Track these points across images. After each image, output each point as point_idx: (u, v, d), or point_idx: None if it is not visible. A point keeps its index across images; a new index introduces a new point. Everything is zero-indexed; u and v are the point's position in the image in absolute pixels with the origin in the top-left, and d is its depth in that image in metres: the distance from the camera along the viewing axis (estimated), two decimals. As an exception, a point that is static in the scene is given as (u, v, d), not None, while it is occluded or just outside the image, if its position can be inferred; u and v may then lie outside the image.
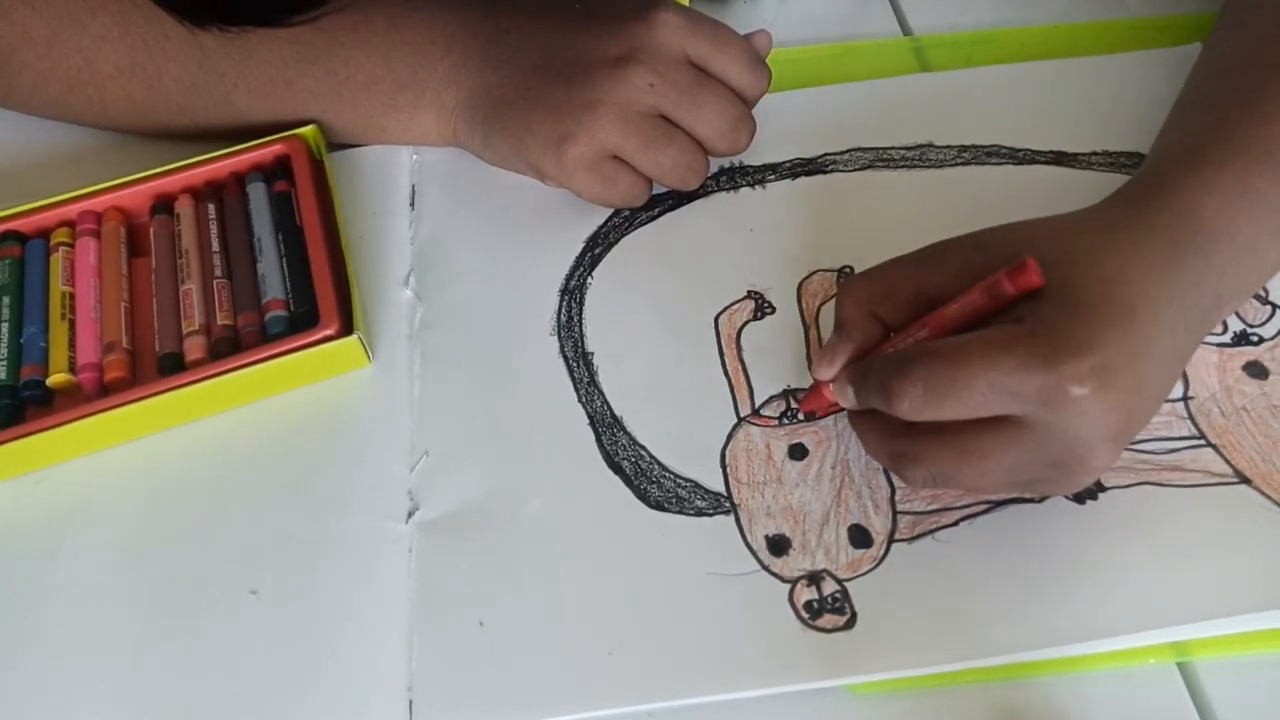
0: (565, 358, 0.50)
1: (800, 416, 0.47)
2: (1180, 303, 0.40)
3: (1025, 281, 0.38)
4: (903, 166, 0.55)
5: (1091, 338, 0.37)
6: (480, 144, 0.54)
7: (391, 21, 0.54)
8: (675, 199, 0.54)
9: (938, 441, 0.40)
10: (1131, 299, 0.38)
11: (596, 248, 0.53)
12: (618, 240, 0.53)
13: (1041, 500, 0.44)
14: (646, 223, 0.54)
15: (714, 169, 0.55)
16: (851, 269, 0.51)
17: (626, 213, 0.54)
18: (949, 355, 0.38)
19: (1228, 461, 0.44)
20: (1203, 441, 0.45)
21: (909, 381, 0.38)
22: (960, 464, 0.39)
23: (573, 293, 0.52)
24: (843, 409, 0.46)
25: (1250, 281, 0.44)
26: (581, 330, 0.51)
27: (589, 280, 0.52)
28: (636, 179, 0.52)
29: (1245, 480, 0.44)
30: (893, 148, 0.56)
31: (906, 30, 0.63)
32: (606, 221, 0.54)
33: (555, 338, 0.50)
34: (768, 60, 0.53)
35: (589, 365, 0.49)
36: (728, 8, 0.64)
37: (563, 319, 0.51)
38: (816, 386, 0.45)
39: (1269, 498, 0.43)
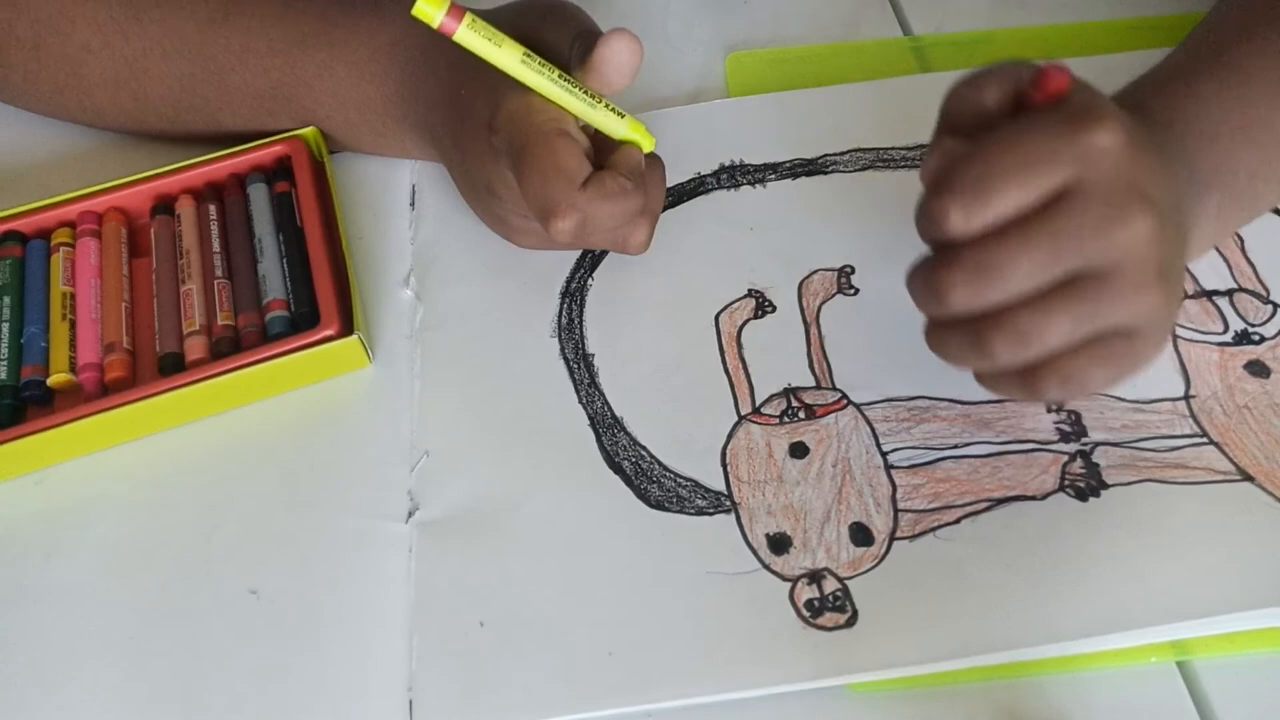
0: (566, 359, 0.50)
1: (801, 415, 0.47)
2: (1163, 157, 0.41)
3: (1050, 85, 0.38)
4: (903, 167, 0.55)
5: (1115, 109, 0.38)
6: None
7: (351, 72, 0.53)
8: (674, 198, 0.54)
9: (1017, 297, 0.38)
10: (1144, 136, 0.40)
11: (596, 249, 0.53)
12: (618, 240, 0.53)
13: (1044, 498, 0.43)
14: (647, 223, 0.54)
15: (714, 167, 0.55)
16: (852, 268, 0.51)
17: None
18: (985, 142, 0.38)
19: (1230, 459, 0.44)
20: (1205, 439, 0.45)
21: (951, 182, 0.37)
22: (1045, 307, 0.37)
23: (573, 295, 0.52)
24: (841, 408, 0.46)
25: (1235, 185, 0.45)
26: (582, 332, 0.51)
27: (589, 282, 0.52)
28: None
29: (1248, 478, 0.44)
30: (893, 148, 0.56)
31: (906, 30, 0.63)
32: (607, 222, 0.54)
33: (556, 339, 0.50)
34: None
35: (589, 366, 0.49)
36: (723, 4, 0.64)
37: (563, 321, 0.51)
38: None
39: (1271, 495, 0.43)
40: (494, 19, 0.46)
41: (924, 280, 0.39)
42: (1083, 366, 0.39)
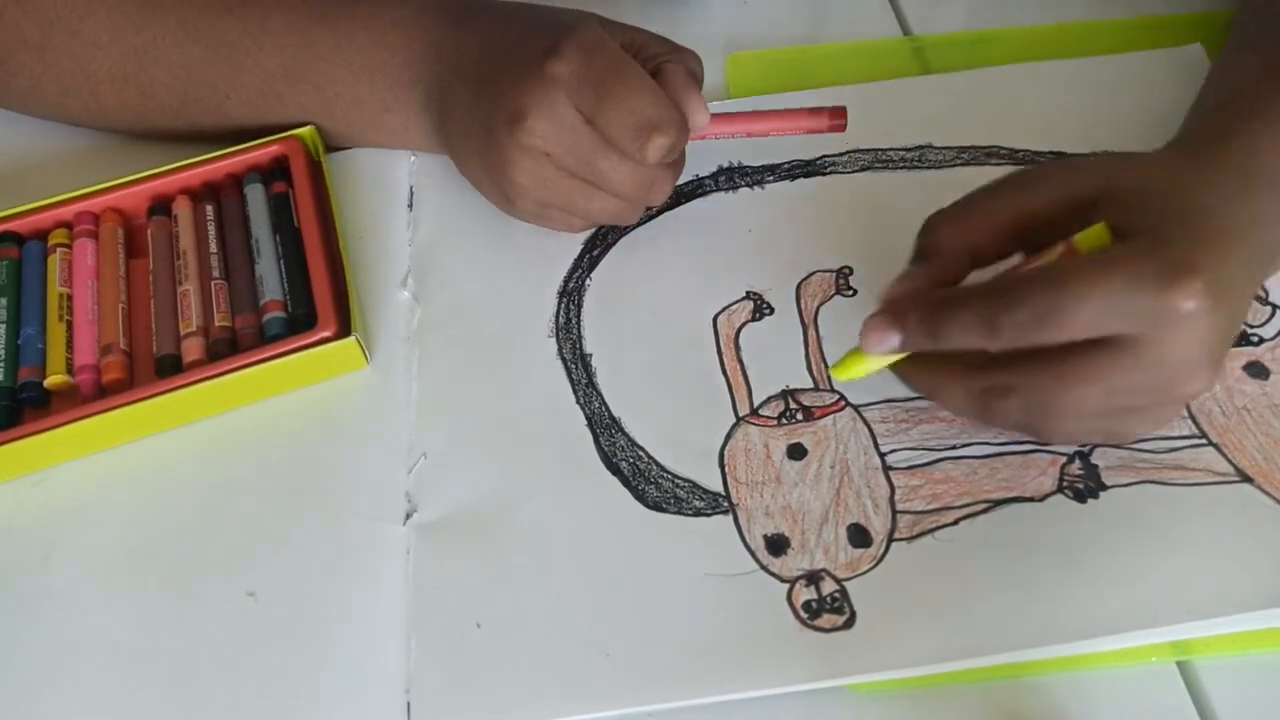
0: (564, 359, 0.50)
1: (799, 417, 0.47)
2: (1255, 237, 0.40)
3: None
4: (902, 168, 0.55)
5: (1199, 258, 0.37)
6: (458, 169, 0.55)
7: (374, 39, 0.53)
8: (672, 200, 0.54)
9: (1036, 367, 0.39)
10: (1225, 226, 0.39)
11: (595, 249, 0.53)
12: (616, 242, 0.53)
13: (1043, 499, 0.43)
14: (644, 224, 0.54)
15: (712, 168, 0.55)
16: (850, 270, 0.51)
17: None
18: (1054, 277, 0.37)
19: (1229, 460, 0.44)
20: (1204, 440, 0.45)
21: (1017, 309, 0.37)
22: (1061, 389, 0.39)
23: (571, 294, 0.52)
24: (840, 409, 0.45)
25: None
26: (580, 332, 0.50)
27: (587, 282, 0.52)
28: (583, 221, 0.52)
29: (1247, 479, 0.44)
30: (892, 149, 0.56)
31: (906, 30, 0.63)
32: (605, 223, 0.54)
33: (554, 339, 0.50)
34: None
35: (587, 367, 0.49)
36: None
37: (561, 321, 0.51)
38: (857, 350, 0.43)
39: (1270, 496, 0.43)
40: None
41: (980, 308, 0.39)
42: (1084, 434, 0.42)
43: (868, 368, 0.43)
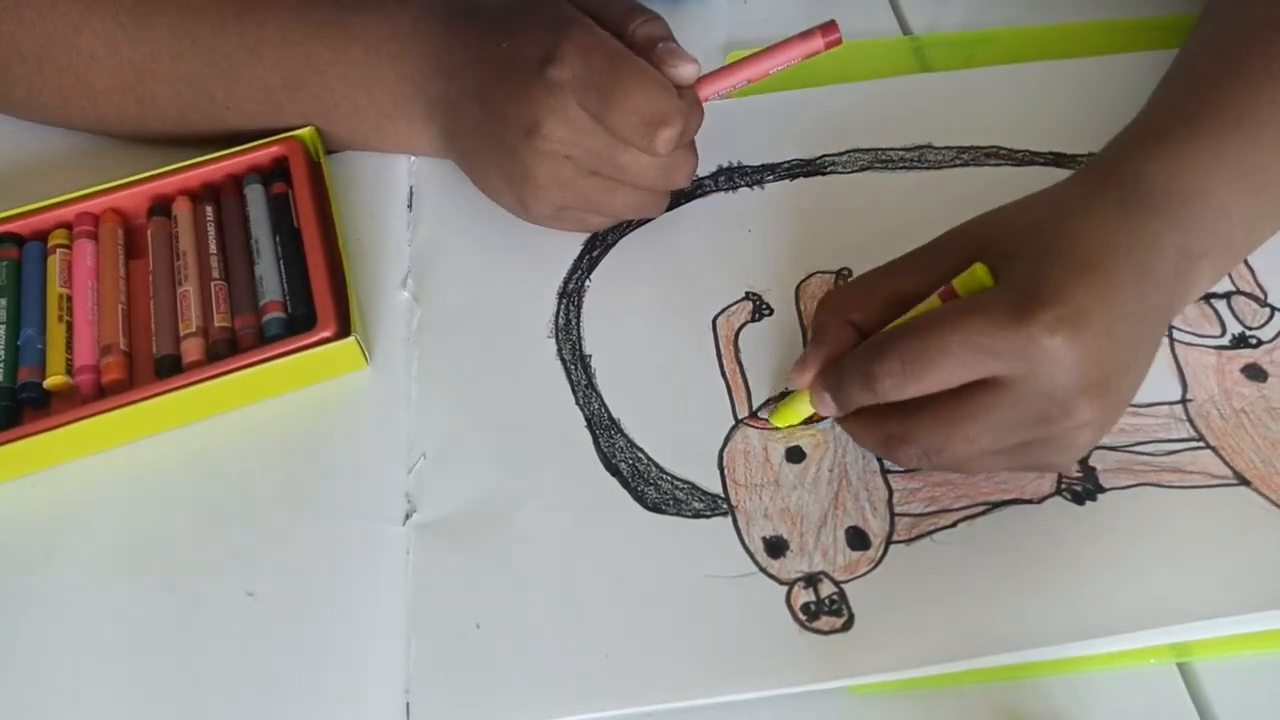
0: (563, 360, 0.50)
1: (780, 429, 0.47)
2: (1140, 255, 0.41)
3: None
4: (902, 168, 0.55)
5: (1057, 289, 0.38)
6: (468, 177, 0.55)
7: (368, 52, 0.53)
8: (672, 200, 0.54)
9: (925, 415, 0.40)
10: (1091, 252, 0.40)
11: (594, 250, 0.53)
12: (616, 242, 0.53)
13: (1041, 501, 0.44)
14: (644, 224, 0.54)
15: (712, 169, 0.55)
16: (850, 270, 0.51)
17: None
18: (920, 328, 0.40)
19: (1227, 463, 0.44)
20: (1202, 443, 0.45)
21: (886, 360, 0.40)
22: (948, 432, 0.40)
23: (571, 295, 0.52)
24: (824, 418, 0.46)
25: (1231, 240, 0.45)
26: (579, 333, 0.50)
27: (587, 283, 0.52)
28: (606, 218, 0.53)
29: (1245, 482, 0.44)
30: (892, 149, 0.56)
31: (906, 30, 0.63)
32: (604, 223, 0.54)
33: (553, 340, 0.50)
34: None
35: (587, 368, 0.49)
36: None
37: (561, 322, 0.51)
38: (791, 397, 0.46)
39: (1268, 499, 0.43)
40: None
41: (856, 368, 0.41)
42: (982, 463, 0.42)
43: (801, 415, 0.46)
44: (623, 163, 0.48)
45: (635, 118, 0.46)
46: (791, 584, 0.42)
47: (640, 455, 0.46)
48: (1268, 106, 0.45)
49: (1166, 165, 0.44)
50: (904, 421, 0.41)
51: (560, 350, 0.50)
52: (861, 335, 0.44)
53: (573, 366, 0.49)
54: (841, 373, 0.42)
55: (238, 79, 0.54)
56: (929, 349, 0.39)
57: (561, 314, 0.51)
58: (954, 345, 0.38)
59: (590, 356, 0.50)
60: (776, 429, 0.46)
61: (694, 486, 0.45)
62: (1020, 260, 0.40)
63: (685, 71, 0.48)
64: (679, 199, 0.54)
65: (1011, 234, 0.41)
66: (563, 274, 0.52)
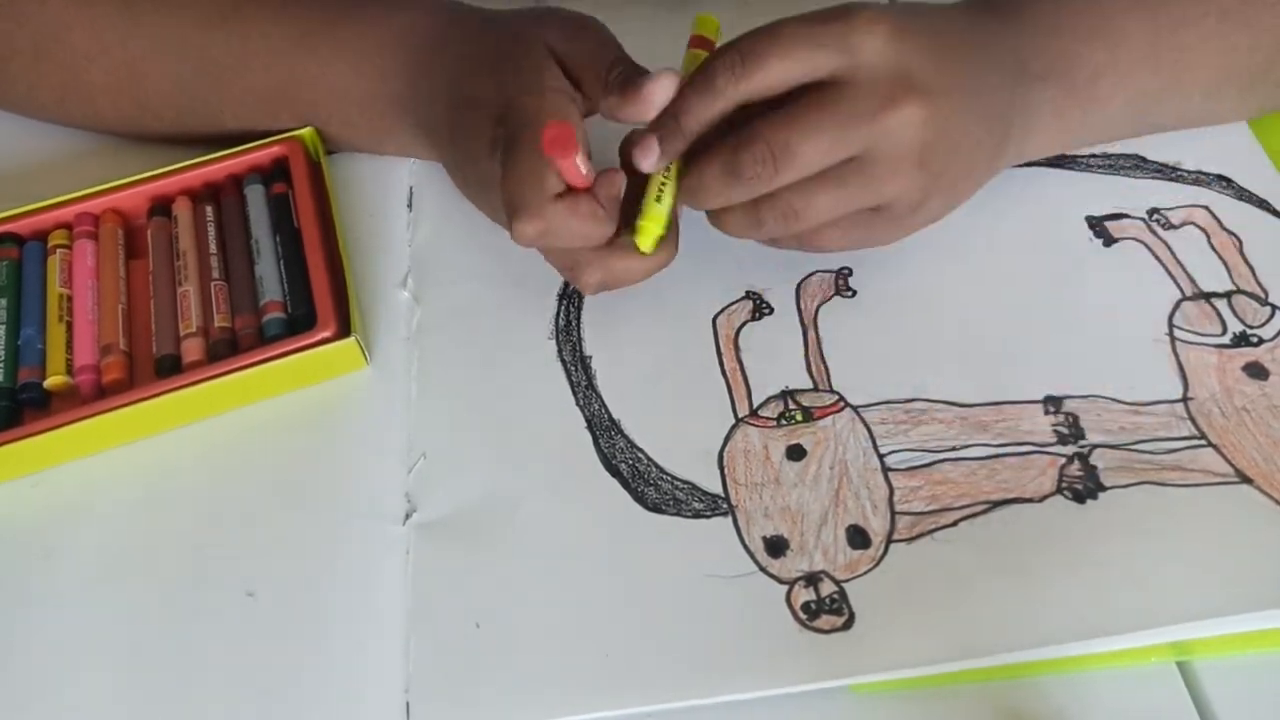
0: (563, 361, 0.50)
1: (799, 417, 0.47)
2: (975, 39, 0.45)
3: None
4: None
5: (881, 13, 0.42)
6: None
7: (354, 70, 0.53)
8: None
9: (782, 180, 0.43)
10: (933, 26, 0.44)
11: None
12: (616, 242, 0.53)
13: (1042, 500, 0.44)
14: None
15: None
16: (850, 270, 0.51)
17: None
18: (785, 117, 0.42)
19: (1229, 462, 0.44)
20: (1203, 442, 0.45)
21: (754, 147, 0.42)
22: (810, 196, 0.43)
23: (571, 297, 0.52)
24: (839, 410, 0.46)
25: (1072, 79, 0.48)
26: (580, 334, 0.50)
27: (587, 282, 0.52)
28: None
29: (1246, 480, 0.44)
30: (891, 149, 0.55)
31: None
32: (605, 223, 0.54)
33: (554, 341, 0.50)
34: None
35: (587, 369, 0.49)
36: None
37: (561, 323, 0.51)
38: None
39: (1270, 498, 0.43)
40: (523, 22, 0.49)
41: (724, 166, 0.43)
42: (828, 234, 0.46)
43: (661, 220, 0.46)
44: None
45: (507, 199, 0.44)
46: (792, 583, 0.42)
47: (640, 456, 0.46)
48: None
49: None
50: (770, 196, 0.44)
51: (560, 351, 0.50)
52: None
53: (573, 367, 0.49)
54: (704, 163, 0.44)
55: (229, 85, 0.54)
56: (764, 40, 0.42)
57: (562, 315, 0.51)
58: (784, 31, 0.42)
59: (590, 357, 0.50)
60: (778, 426, 0.46)
61: (694, 486, 0.45)
62: (877, 68, 0.42)
63: (660, 88, 0.44)
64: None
65: (881, 57, 0.43)
66: (563, 274, 0.52)
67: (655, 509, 0.45)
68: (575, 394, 0.49)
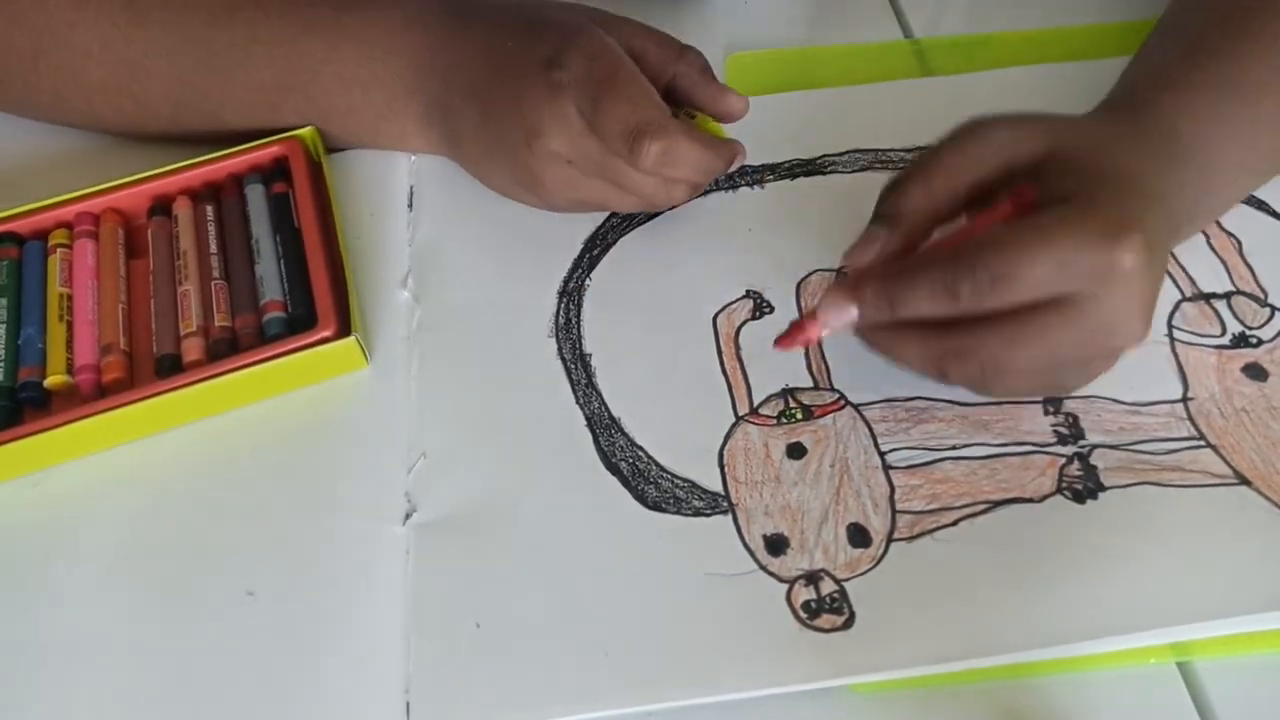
0: (563, 359, 0.50)
1: (799, 416, 0.47)
2: (1172, 204, 0.44)
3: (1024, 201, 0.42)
4: (902, 168, 0.55)
5: (1136, 217, 0.40)
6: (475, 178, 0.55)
7: (359, 53, 0.53)
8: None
9: (989, 330, 0.40)
10: (1150, 190, 0.42)
11: (595, 249, 0.53)
12: (616, 241, 0.53)
13: (1042, 500, 0.44)
14: (644, 223, 0.54)
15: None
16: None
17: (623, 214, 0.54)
18: (1007, 241, 0.39)
19: (1228, 463, 0.44)
20: (1202, 442, 0.45)
21: (973, 270, 0.39)
22: (1013, 349, 0.40)
23: (571, 294, 0.52)
24: (839, 408, 0.46)
25: (1221, 198, 0.49)
26: (580, 332, 0.50)
27: (587, 282, 0.52)
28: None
29: (1245, 481, 0.44)
30: (892, 149, 0.56)
31: (907, 33, 0.63)
32: (604, 223, 0.54)
33: (554, 339, 0.50)
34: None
35: (587, 367, 0.49)
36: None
37: (561, 321, 0.51)
38: (811, 316, 0.44)
39: (1269, 499, 0.43)
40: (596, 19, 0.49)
41: (940, 274, 0.40)
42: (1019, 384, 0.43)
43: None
44: (617, 172, 0.48)
45: (619, 125, 0.46)
46: (792, 582, 0.42)
47: (640, 454, 0.46)
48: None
49: (1194, 126, 0.46)
50: (967, 335, 0.41)
51: (560, 349, 0.50)
52: (936, 227, 0.44)
53: (573, 365, 0.49)
54: (916, 276, 0.41)
55: (231, 78, 0.54)
56: (1018, 264, 0.39)
57: (562, 313, 0.51)
58: (1042, 261, 0.39)
59: (590, 355, 0.50)
60: (778, 425, 0.46)
61: (694, 485, 0.45)
62: (1095, 188, 0.40)
63: (735, 108, 0.49)
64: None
65: (1079, 159, 0.42)
66: (563, 273, 0.52)
67: (655, 507, 0.45)
68: (575, 392, 0.49)
